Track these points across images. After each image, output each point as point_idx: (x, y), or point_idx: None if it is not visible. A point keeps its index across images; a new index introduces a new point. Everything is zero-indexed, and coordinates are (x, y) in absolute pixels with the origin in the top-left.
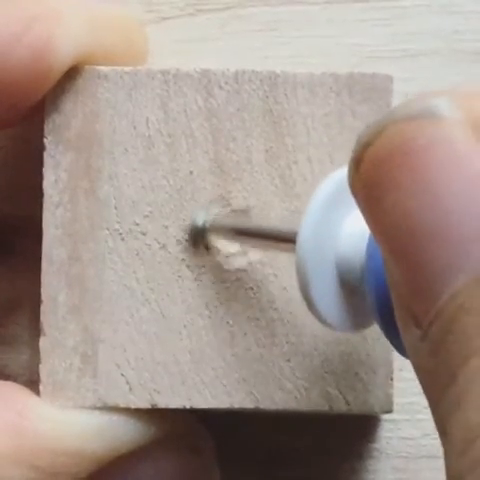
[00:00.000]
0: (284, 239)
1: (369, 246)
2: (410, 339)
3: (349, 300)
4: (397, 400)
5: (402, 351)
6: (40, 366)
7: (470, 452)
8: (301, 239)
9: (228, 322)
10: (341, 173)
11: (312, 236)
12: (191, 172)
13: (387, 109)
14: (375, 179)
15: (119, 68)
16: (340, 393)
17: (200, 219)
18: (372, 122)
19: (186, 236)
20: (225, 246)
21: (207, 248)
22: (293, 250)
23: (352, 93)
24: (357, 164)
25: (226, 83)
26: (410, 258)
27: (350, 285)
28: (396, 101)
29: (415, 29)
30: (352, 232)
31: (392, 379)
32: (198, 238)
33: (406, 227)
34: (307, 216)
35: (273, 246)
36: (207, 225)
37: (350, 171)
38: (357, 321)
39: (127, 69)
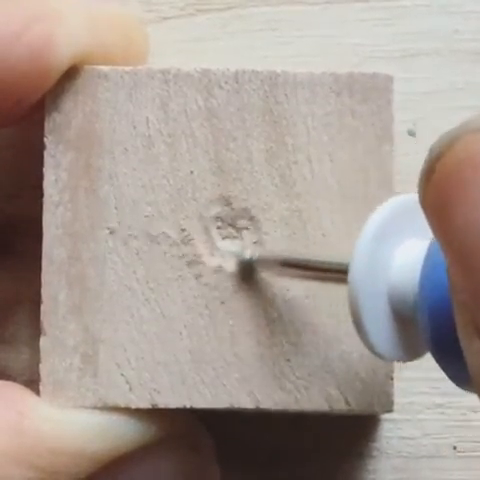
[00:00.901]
0: (336, 270)
1: (422, 276)
2: (474, 352)
3: (401, 330)
4: (397, 400)
5: (455, 379)
6: (40, 366)
7: None
8: (353, 270)
9: (228, 322)
10: (392, 203)
11: (364, 267)
12: (191, 172)
13: (387, 109)
14: (447, 190)
15: (119, 68)
16: (340, 393)
17: (248, 253)
18: (445, 133)
19: (235, 269)
20: (274, 279)
21: (256, 281)
22: (344, 281)
23: (352, 93)
24: (428, 175)
25: (226, 83)
26: (477, 269)
27: (402, 315)
28: (396, 101)
29: (415, 29)
30: (404, 262)
31: (392, 379)
32: (247, 271)
33: (476, 238)
34: (359, 247)
35: (324, 278)
36: (255, 258)
37: (421, 182)
38: (409, 351)
39: (127, 69)
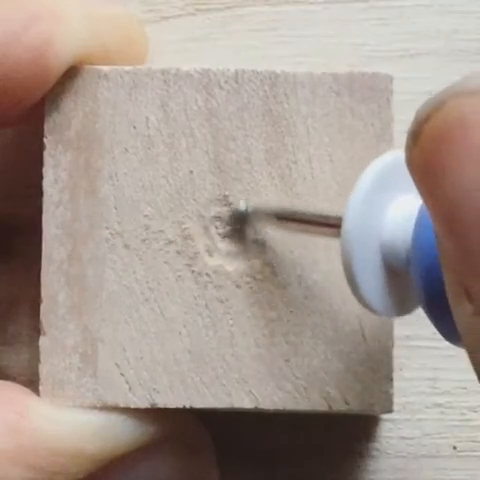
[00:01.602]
0: (328, 224)
1: (415, 231)
2: (462, 314)
3: (393, 285)
4: (397, 400)
5: (446, 334)
6: (40, 366)
7: None
8: (346, 224)
9: (228, 322)
10: (385, 158)
11: (357, 221)
12: (191, 172)
13: (387, 109)
14: (434, 154)
15: (119, 68)
16: (340, 393)
17: (243, 204)
18: (432, 96)
19: (228, 222)
20: (267, 232)
21: (249, 233)
22: (338, 235)
23: (352, 93)
24: (415, 138)
25: (226, 83)
26: (467, 234)
27: (395, 269)
28: (396, 101)
29: (415, 29)
30: (397, 217)
31: (392, 379)
32: (240, 223)
33: (465, 203)
34: (352, 201)
35: (317, 231)
36: (250, 210)
37: (408, 145)
38: (401, 306)
39: (127, 69)
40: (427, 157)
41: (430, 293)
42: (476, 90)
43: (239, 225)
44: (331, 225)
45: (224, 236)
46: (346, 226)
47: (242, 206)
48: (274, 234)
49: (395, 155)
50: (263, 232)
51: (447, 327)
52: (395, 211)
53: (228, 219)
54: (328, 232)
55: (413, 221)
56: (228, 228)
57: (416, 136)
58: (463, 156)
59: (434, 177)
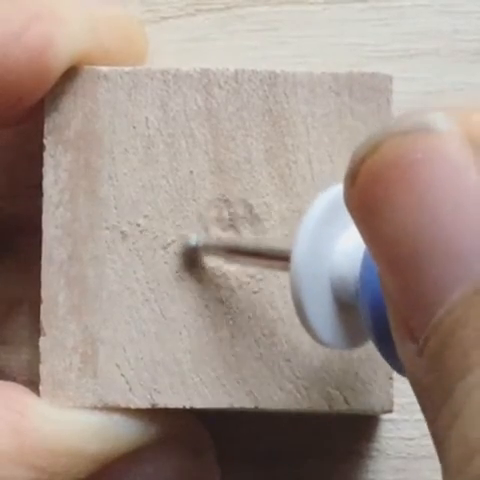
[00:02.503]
0: (278, 257)
1: (363, 264)
2: (406, 354)
3: (344, 318)
4: (397, 400)
5: (397, 368)
6: (40, 366)
7: (468, 469)
8: (295, 257)
9: (228, 322)
10: (334, 190)
11: (306, 254)
12: (191, 172)
13: (387, 109)
14: (371, 194)
15: (119, 68)
16: (340, 393)
17: (193, 239)
18: (367, 137)
19: (180, 255)
20: (219, 265)
21: (201, 267)
22: (287, 268)
23: (352, 93)
24: (353, 179)
25: (226, 83)
26: (407, 272)
27: (345, 303)
28: (396, 101)
29: (415, 29)
30: (346, 250)
31: (392, 379)
32: (192, 258)
33: (403, 242)
34: (300, 234)
35: (267, 265)
36: (200, 244)
37: (346, 186)
38: (352, 339)
39: (127, 69)
40: (364, 197)
41: (378, 326)
42: (409, 130)
43: (192, 259)
44: (280, 258)
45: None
46: (295, 259)
47: (193, 241)
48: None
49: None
50: (214, 266)
51: (396, 360)
52: (344, 244)
53: (180, 254)
54: (278, 265)
55: (361, 254)
56: (181, 262)
57: (353, 177)
58: (397, 196)
59: (371, 216)
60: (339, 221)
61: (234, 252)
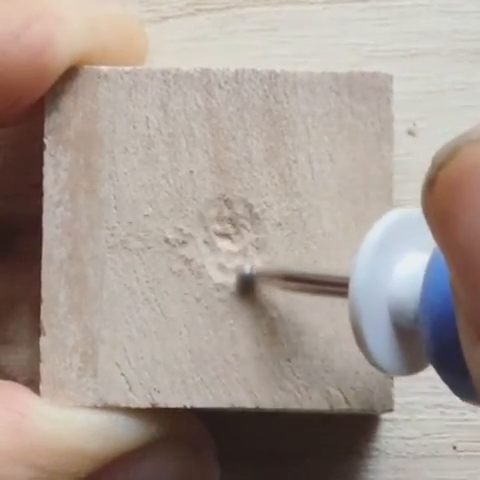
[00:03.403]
0: (336, 284)
1: (424, 288)
2: (478, 362)
3: (402, 344)
4: (397, 400)
5: (458, 392)
6: (40, 365)
7: None
8: (354, 283)
9: (228, 321)
10: (392, 216)
11: (365, 280)
12: (191, 171)
13: (387, 108)
14: (449, 200)
15: (119, 68)
16: (340, 392)
17: (247, 268)
18: (446, 143)
19: (234, 284)
20: (273, 292)
21: (255, 295)
22: (345, 295)
23: (352, 92)
24: (431, 185)
25: (226, 82)
26: None
27: (403, 329)
28: (396, 101)
29: (415, 29)
30: (404, 275)
31: (392, 378)
32: (245, 286)
33: (478, 248)
34: (359, 260)
35: (324, 291)
36: (254, 272)
37: (424, 192)
38: (411, 364)
39: (127, 69)
40: (442, 204)
41: (439, 350)
42: None
43: (245, 288)
44: (339, 285)
45: (224, 236)
46: (354, 286)
47: (247, 269)
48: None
49: (400, 213)
50: (269, 294)
51: (458, 384)
52: (403, 269)
53: (233, 284)
54: (336, 292)
55: (420, 278)
56: (234, 292)
57: (431, 183)
58: (475, 202)
59: (449, 224)
60: (397, 247)
61: (291, 279)
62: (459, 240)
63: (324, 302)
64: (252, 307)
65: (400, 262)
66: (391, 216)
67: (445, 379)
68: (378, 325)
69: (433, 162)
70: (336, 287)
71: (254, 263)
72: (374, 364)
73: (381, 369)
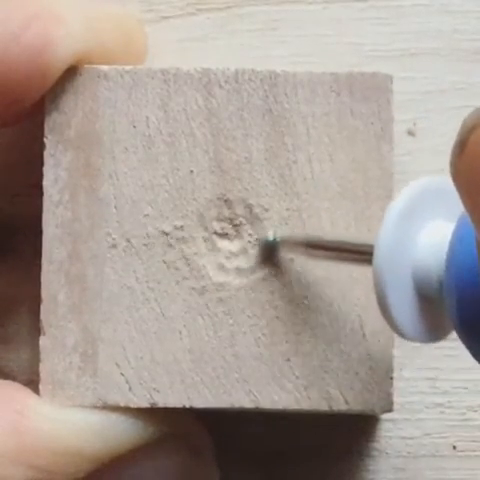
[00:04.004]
0: (360, 251)
1: (449, 255)
2: None
3: (426, 311)
4: (397, 399)
5: None
6: (40, 365)
7: None
8: (378, 251)
9: (228, 321)
10: (417, 183)
11: (389, 247)
12: (191, 171)
13: (387, 108)
14: (479, 163)
15: (119, 67)
16: (340, 392)
17: (271, 234)
18: (477, 107)
19: (257, 251)
20: (296, 261)
21: (280, 263)
22: (369, 262)
23: (352, 92)
24: (461, 148)
25: (226, 82)
26: None
27: (427, 296)
28: (396, 100)
29: (415, 28)
30: (429, 243)
31: (392, 378)
32: (269, 253)
33: None
34: (384, 228)
35: (348, 258)
36: (278, 239)
37: (453, 155)
38: (434, 332)
39: (127, 68)
40: (472, 167)
41: (465, 318)
42: None
43: (268, 254)
44: (362, 252)
45: (224, 236)
46: (378, 253)
47: (270, 236)
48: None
49: (425, 181)
50: (291, 261)
51: None
52: (427, 237)
53: (257, 249)
54: (360, 259)
55: (445, 246)
56: (256, 258)
57: (462, 146)
58: None
59: (476, 186)
60: (422, 214)
61: (315, 246)
62: None
63: (324, 302)
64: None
65: (425, 230)
66: (417, 184)
67: (470, 347)
68: (402, 292)
69: (464, 124)
70: (360, 255)
71: (277, 231)
72: (397, 330)
73: (403, 335)
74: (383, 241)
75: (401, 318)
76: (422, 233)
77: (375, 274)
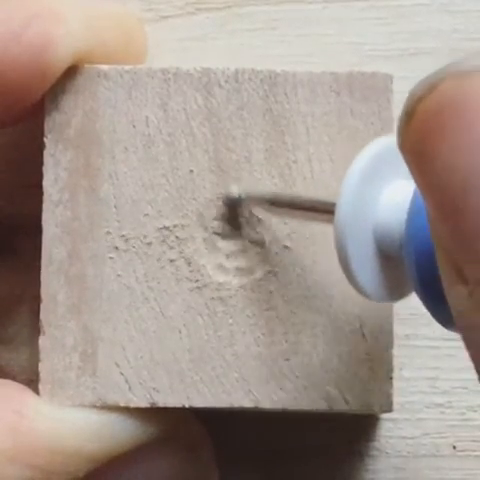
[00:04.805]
0: (322, 210)
1: (409, 215)
2: (456, 297)
3: (387, 270)
4: (397, 399)
5: (440, 320)
6: (40, 365)
7: None
8: (339, 209)
9: (228, 321)
10: (379, 143)
11: (351, 206)
12: (191, 171)
13: (387, 108)
14: (427, 133)
15: (119, 67)
16: (340, 392)
17: (235, 189)
18: (426, 76)
19: (221, 209)
20: (263, 216)
21: (243, 219)
22: (331, 221)
23: (352, 92)
24: (409, 118)
25: (226, 82)
26: (459, 214)
27: (389, 255)
28: (396, 100)
29: (415, 28)
30: (391, 202)
31: (392, 378)
32: (234, 209)
33: (457, 182)
34: (345, 186)
35: (310, 217)
36: (243, 196)
37: (400, 125)
38: (395, 291)
39: (127, 68)
40: (420, 138)
41: (423, 278)
42: (473, 71)
43: (232, 211)
44: (325, 211)
45: (224, 235)
46: (340, 211)
47: (235, 191)
48: (274, 229)
49: (388, 140)
50: (256, 217)
51: (441, 312)
52: (389, 196)
53: (220, 205)
54: (322, 218)
55: (407, 206)
56: (220, 212)
57: (409, 116)
58: (457, 138)
59: (426, 159)
60: (384, 174)
61: (278, 203)
62: (437, 175)
63: (324, 302)
64: (251, 306)
65: (387, 189)
66: (378, 143)
67: (427, 306)
68: (363, 251)
69: (411, 95)
70: (323, 213)
71: (242, 187)
72: (358, 289)
73: (365, 294)
74: (344, 200)
75: (363, 277)
76: (385, 192)
77: (336, 232)
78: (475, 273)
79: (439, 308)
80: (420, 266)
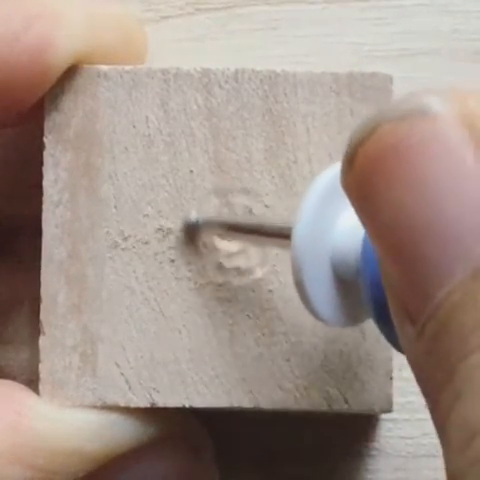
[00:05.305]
0: (279, 235)
1: (364, 242)
2: (406, 337)
3: (344, 295)
4: (396, 399)
5: (398, 347)
6: (40, 365)
7: (470, 450)
8: (296, 235)
9: (227, 321)
10: (335, 169)
11: (307, 231)
12: (191, 171)
13: None
14: (369, 178)
15: (119, 67)
16: (339, 392)
17: (193, 215)
18: (364, 121)
19: (180, 233)
20: (220, 243)
21: (201, 245)
22: (288, 246)
23: (352, 92)
24: (350, 163)
25: (226, 82)
26: (405, 255)
27: (345, 280)
28: (396, 100)
29: (415, 28)
30: (347, 228)
31: (392, 378)
32: (192, 235)
33: (401, 224)
34: (302, 212)
35: (268, 242)
36: (201, 221)
37: (343, 170)
38: (352, 316)
39: (127, 68)
40: (361, 181)
41: (379, 305)
42: (405, 114)
43: (190, 236)
44: (282, 236)
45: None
46: (296, 237)
47: (193, 217)
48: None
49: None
50: (213, 243)
51: (394, 337)
52: (345, 222)
53: (179, 230)
54: (279, 243)
55: (362, 233)
56: (179, 239)
57: (350, 160)
58: (395, 179)
59: (368, 200)
60: (341, 199)
61: (235, 229)
62: (381, 218)
63: None
64: (251, 306)
65: (344, 214)
66: (335, 168)
67: (382, 331)
68: (320, 276)
69: (351, 140)
70: (280, 238)
71: (200, 211)
72: (314, 314)
73: (322, 320)
74: (301, 225)
75: (319, 302)
76: (341, 218)
77: (293, 258)
78: (422, 314)
79: (393, 334)
80: (375, 292)
